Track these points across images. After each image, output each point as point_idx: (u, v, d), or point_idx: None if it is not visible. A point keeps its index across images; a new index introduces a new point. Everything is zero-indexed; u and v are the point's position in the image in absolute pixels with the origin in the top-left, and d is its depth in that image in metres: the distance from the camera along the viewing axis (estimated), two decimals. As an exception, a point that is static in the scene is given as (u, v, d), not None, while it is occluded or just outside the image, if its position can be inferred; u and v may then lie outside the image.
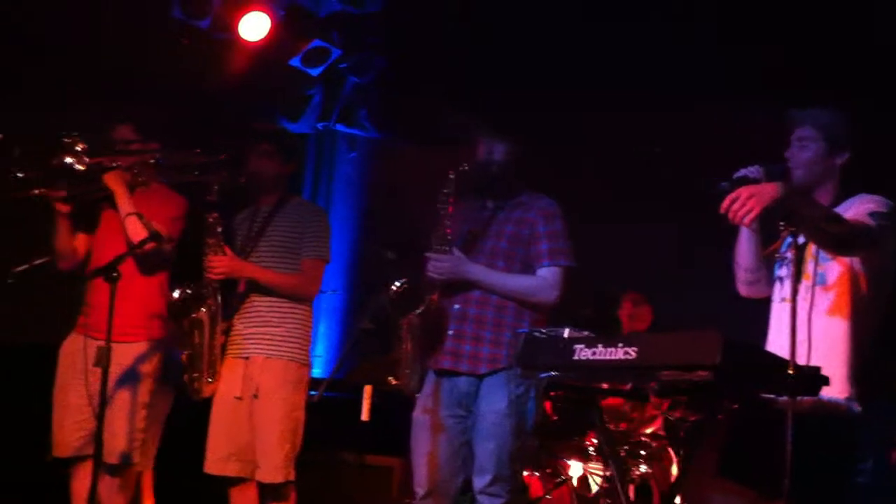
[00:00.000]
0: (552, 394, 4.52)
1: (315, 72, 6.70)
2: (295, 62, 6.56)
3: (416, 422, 3.84)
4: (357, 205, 7.49)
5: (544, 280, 3.81)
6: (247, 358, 4.18)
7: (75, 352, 4.17)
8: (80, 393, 4.09)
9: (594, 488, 5.53)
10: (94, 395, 3.95)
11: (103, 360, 3.78)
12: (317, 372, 4.46)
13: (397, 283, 3.76)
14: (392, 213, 6.80)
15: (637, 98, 5.98)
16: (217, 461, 4.14)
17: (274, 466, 4.06)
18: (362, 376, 4.86)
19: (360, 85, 7.07)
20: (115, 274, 3.81)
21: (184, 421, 4.38)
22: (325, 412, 4.34)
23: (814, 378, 2.74)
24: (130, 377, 4.15)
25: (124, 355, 4.11)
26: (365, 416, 3.88)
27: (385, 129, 7.32)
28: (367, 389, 3.74)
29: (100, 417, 3.81)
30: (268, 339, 4.18)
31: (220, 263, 4.14)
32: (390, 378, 3.79)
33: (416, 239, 3.97)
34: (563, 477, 5.41)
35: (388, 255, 4.59)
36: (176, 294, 4.13)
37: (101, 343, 3.85)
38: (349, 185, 7.56)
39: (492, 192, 3.94)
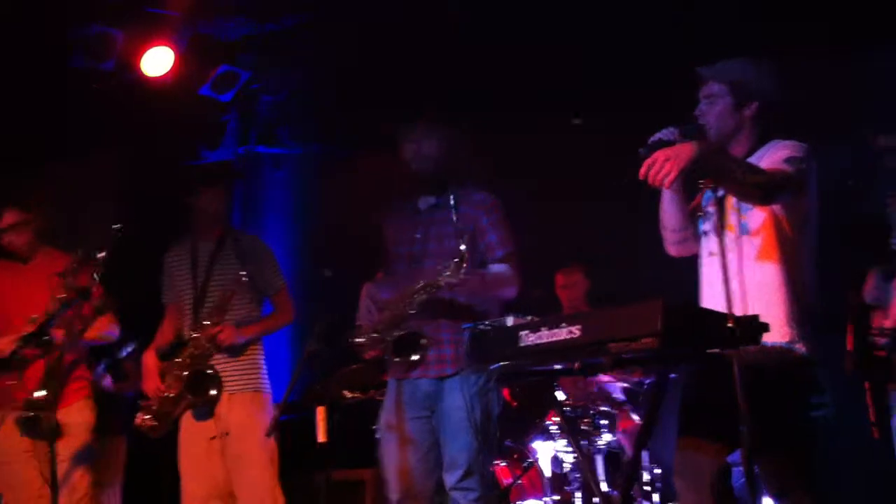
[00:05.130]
0: (508, 383, 4.58)
1: (226, 97, 6.65)
2: (205, 91, 6.51)
3: (382, 429, 3.85)
4: (289, 225, 7.44)
5: (505, 273, 3.83)
6: None
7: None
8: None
9: (566, 466, 5.59)
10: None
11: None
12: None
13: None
14: (327, 229, 6.77)
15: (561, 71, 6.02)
16: (196, 502, 4.15)
17: (260, 498, 4.12)
18: (315, 397, 4.85)
19: (276, 103, 7.03)
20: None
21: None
22: (286, 435, 4.36)
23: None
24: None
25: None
26: (321, 437, 3.88)
27: (308, 143, 7.29)
28: (320, 411, 3.74)
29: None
30: (229, 375, 4.20)
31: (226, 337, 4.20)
32: (345, 392, 3.80)
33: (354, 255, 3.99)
34: (530, 461, 5.45)
35: (325, 273, 4.62)
36: None
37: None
38: (279, 206, 7.51)
39: (425, 191, 3.94)
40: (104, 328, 4.41)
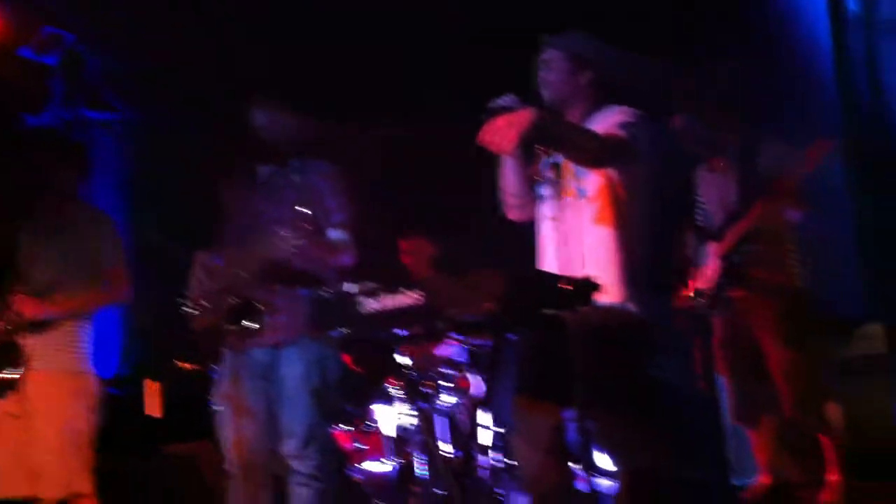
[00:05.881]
0: (349, 349, 4.57)
1: (51, 60, 6.33)
2: (27, 53, 6.18)
3: (218, 401, 3.78)
4: (122, 192, 7.17)
5: (343, 240, 3.81)
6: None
7: None
8: None
9: (407, 429, 5.64)
10: None
11: None
12: (100, 372, 4.29)
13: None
14: (161, 195, 6.56)
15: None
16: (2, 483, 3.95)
17: (55, 483, 3.91)
18: (146, 370, 4.75)
19: (104, 66, 6.75)
20: None
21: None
22: (116, 410, 4.21)
23: (588, 287, 2.86)
24: None
25: None
26: (152, 411, 3.77)
27: (140, 108, 7.04)
28: (149, 385, 3.63)
29: None
30: (37, 351, 3.98)
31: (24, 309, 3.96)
32: (178, 363, 3.71)
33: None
34: (371, 425, 5.47)
35: (159, 242, 4.47)
36: None
37: None
38: (108, 172, 7.22)
39: (266, 159, 3.87)
40: None
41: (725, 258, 4.53)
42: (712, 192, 4.71)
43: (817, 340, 4.50)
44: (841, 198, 5.51)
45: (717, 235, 4.59)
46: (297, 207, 3.65)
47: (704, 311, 4.65)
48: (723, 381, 4.73)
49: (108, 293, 4.14)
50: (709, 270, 4.59)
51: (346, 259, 3.83)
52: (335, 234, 3.81)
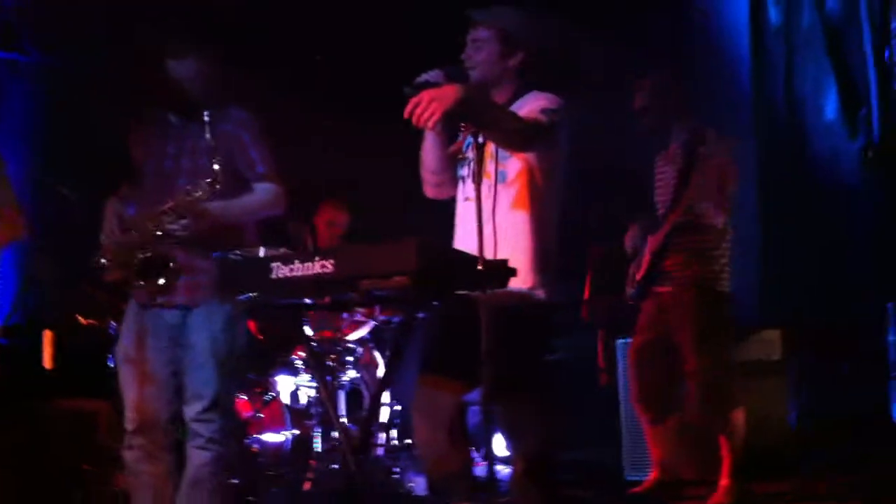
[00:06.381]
0: (256, 314, 4.50)
1: (-43, -5, 6.08)
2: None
3: (119, 358, 3.67)
4: (32, 140, 6.92)
5: (269, 192, 3.70)
6: None
7: None
8: None
9: (304, 399, 5.60)
10: None
11: None
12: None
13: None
14: (73, 145, 6.35)
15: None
16: None
17: None
18: (43, 321, 4.58)
19: (17, 5, 6.49)
20: None
21: None
22: (7, 361, 4.05)
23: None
24: None
25: None
26: (47, 363, 3.63)
27: (54, 51, 6.79)
28: (48, 335, 3.50)
29: None
30: None
31: None
32: (79, 316, 3.58)
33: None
34: (271, 394, 5.42)
35: (63, 191, 4.29)
36: None
37: None
38: (19, 118, 6.96)
39: (179, 108, 3.74)
40: None
41: (655, 252, 4.55)
42: (666, 181, 4.70)
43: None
44: (746, 202, 5.57)
45: (655, 227, 4.60)
46: (213, 159, 3.51)
47: (633, 302, 4.67)
48: (630, 369, 4.75)
49: None
50: (643, 263, 4.61)
51: (274, 211, 3.74)
52: (261, 187, 3.72)
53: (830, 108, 6.10)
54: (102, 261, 3.52)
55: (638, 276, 4.61)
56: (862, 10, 5.54)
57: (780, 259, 6.03)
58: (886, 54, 5.27)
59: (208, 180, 3.44)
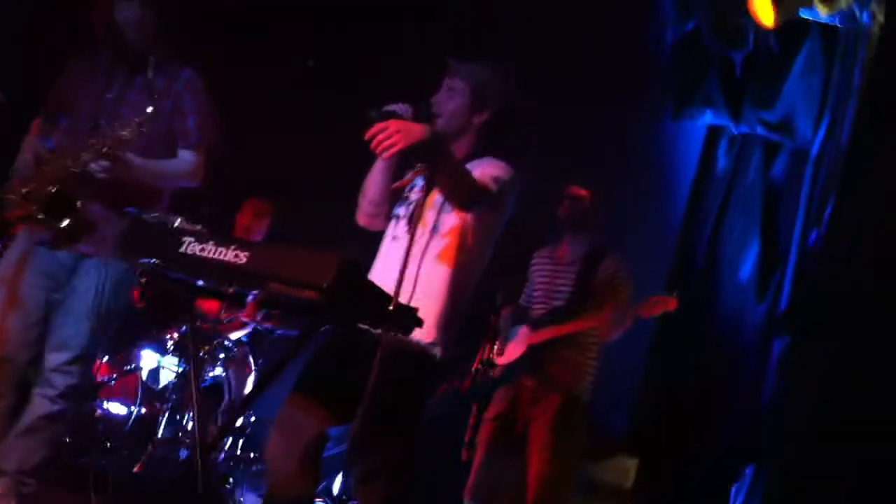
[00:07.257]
0: (145, 281, 4.33)
1: None
2: None
3: None
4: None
5: (191, 164, 3.62)
6: None
7: None
8: None
9: (163, 381, 5.43)
10: None
11: None
12: None
13: None
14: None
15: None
16: None
17: None
18: None
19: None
20: None
21: None
22: None
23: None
24: None
25: None
26: None
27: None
28: None
29: None
30: None
31: None
32: None
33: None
34: (132, 366, 5.25)
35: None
36: None
37: None
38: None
39: (125, 58, 3.63)
40: None
41: (532, 348, 4.57)
42: (544, 276, 4.76)
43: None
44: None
45: (534, 324, 4.64)
46: (146, 110, 3.40)
47: (490, 383, 4.66)
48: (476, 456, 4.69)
49: None
50: (513, 352, 4.62)
51: (190, 182, 3.65)
52: (185, 155, 3.62)
53: (747, 266, 6.21)
54: (8, 196, 3.37)
55: (502, 361, 4.62)
56: (805, 184, 5.68)
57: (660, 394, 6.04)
58: (813, 235, 5.39)
59: (137, 120, 3.34)
